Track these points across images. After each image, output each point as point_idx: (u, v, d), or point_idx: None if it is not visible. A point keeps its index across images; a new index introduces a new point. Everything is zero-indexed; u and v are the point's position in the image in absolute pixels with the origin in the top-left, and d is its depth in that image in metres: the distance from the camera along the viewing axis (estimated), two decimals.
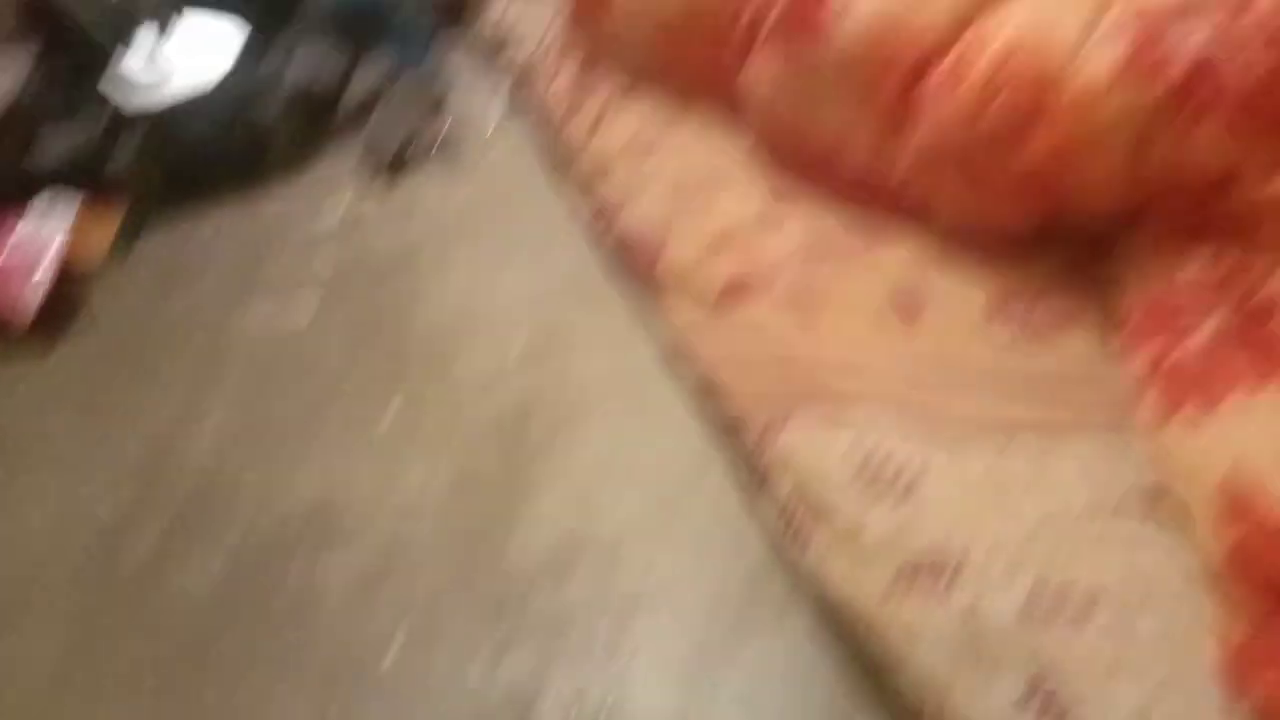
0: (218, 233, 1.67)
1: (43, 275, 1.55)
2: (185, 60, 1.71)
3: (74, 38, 1.71)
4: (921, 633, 0.91)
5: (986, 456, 1.00)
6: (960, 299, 1.16)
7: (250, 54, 1.75)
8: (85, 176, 1.66)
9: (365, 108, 1.80)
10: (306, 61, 1.77)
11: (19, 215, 1.61)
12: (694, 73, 1.49)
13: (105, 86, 1.67)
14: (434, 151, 1.72)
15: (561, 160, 1.59)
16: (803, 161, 1.36)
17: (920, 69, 1.17)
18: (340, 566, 1.15)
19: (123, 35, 1.72)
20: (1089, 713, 0.84)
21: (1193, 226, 1.06)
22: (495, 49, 1.86)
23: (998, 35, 1.10)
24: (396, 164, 1.70)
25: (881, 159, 1.25)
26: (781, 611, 1.05)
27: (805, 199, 1.34)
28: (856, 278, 1.21)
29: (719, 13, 1.41)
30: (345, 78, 1.81)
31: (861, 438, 1.05)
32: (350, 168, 1.73)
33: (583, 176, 1.53)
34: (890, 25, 1.18)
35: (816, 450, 1.06)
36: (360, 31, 1.83)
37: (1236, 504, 0.88)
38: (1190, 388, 0.98)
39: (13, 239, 1.58)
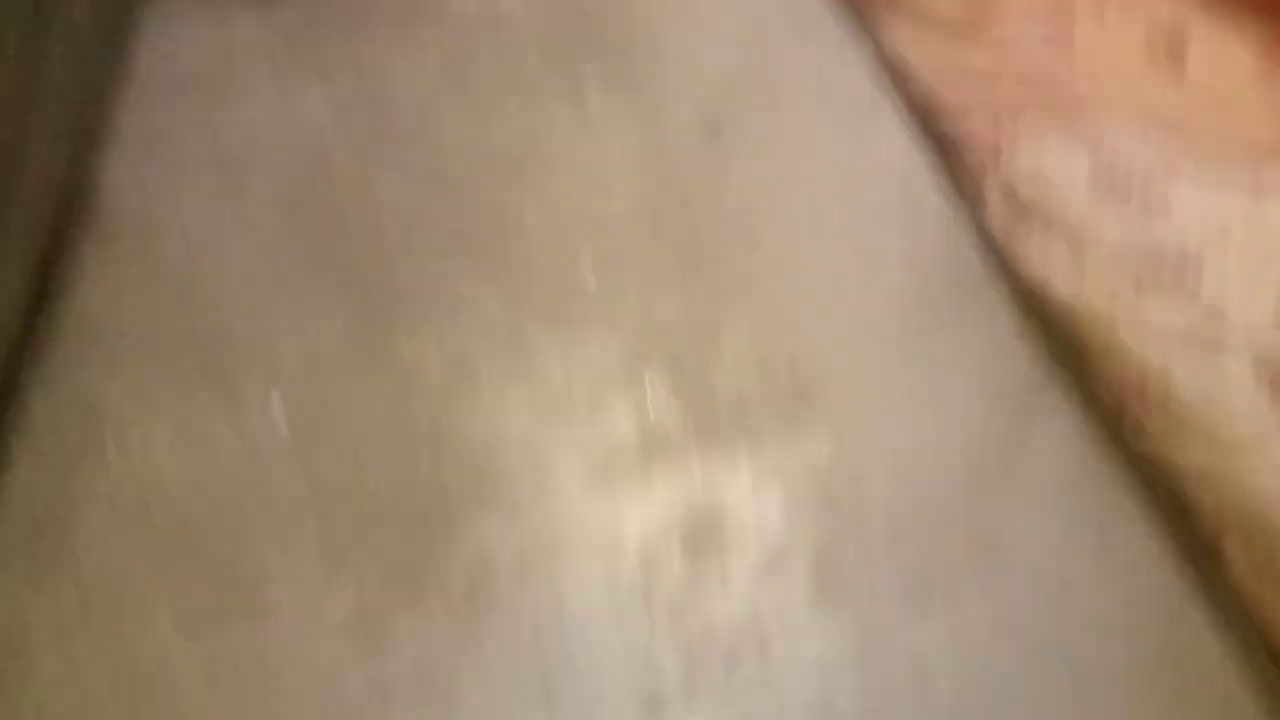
0: None
1: None
2: None
3: None
4: (1154, 324, 0.88)
5: (1240, 172, 0.96)
6: (1227, 47, 1.10)
7: None
8: None
9: None
10: None
11: None
12: None
13: None
14: None
15: None
16: None
17: None
18: (535, 204, 1.16)
19: None
20: None
21: None
22: None
23: None
24: None
25: None
26: (985, 290, 1.03)
27: None
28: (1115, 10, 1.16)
29: None
30: None
31: (1103, 147, 1.02)
32: None
33: None
34: None
35: (1052, 160, 1.03)
36: None
37: None
38: None
39: None
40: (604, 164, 1.17)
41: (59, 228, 1.10)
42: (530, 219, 1.13)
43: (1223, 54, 1.09)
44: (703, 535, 0.91)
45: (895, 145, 1.15)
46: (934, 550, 0.89)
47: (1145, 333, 0.89)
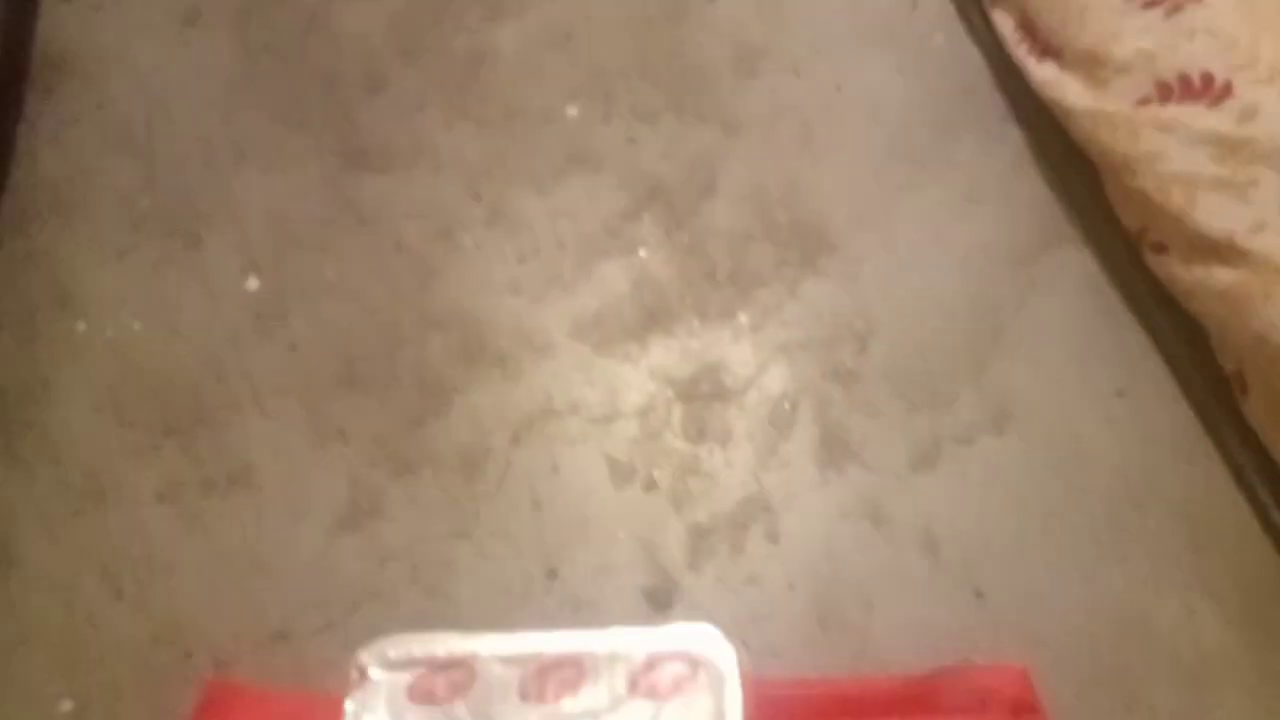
0: None
1: None
2: None
3: None
4: (1181, 133, 0.82)
5: None
6: None
7: None
8: None
9: None
10: None
11: None
12: None
13: None
14: None
15: None
16: None
17: None
18: (512, 34, 1.07)
19: None
20: None
21: None
22: None
23: None
24: None
25: None
26: (995, 128, 0.96)
27: None
28: None
29: None
30: None
31: None
32: None
33: None
34: None
35: None
36: None
37: None
38: None
39: None
40: None
41: (6, 90, 1.02)
42: (508, 52, 1.04)
43: None
44: (704, 401, 0.88)
45: None
46: (942, 412, 0.86)
47: (1171, 142, 0.82)
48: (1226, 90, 0.82)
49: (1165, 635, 0.78)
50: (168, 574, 0.83)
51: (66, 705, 0.78)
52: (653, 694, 0.70)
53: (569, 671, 0.71)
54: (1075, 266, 0.91)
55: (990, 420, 0.86)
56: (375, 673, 0.72)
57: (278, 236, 0.96)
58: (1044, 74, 0.92)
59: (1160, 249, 0.85)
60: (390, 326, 0.92)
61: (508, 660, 0.72)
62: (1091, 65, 0.89)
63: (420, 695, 0.71)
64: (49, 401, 0.90)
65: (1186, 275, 0.83)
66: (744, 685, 0.70)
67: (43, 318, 0.94)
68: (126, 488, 0.87)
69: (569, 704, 0.70)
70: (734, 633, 0.75)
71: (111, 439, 0.89)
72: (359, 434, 0.87)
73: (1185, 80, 0.84)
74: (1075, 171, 0.92)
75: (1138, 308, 0.89)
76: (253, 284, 0.94)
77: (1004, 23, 0.97)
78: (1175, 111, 0.84)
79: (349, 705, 0.71)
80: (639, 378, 0.88)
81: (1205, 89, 0.83)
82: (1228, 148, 0.80)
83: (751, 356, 0.89)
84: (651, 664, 0.71)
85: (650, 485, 0.84)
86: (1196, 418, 0.85)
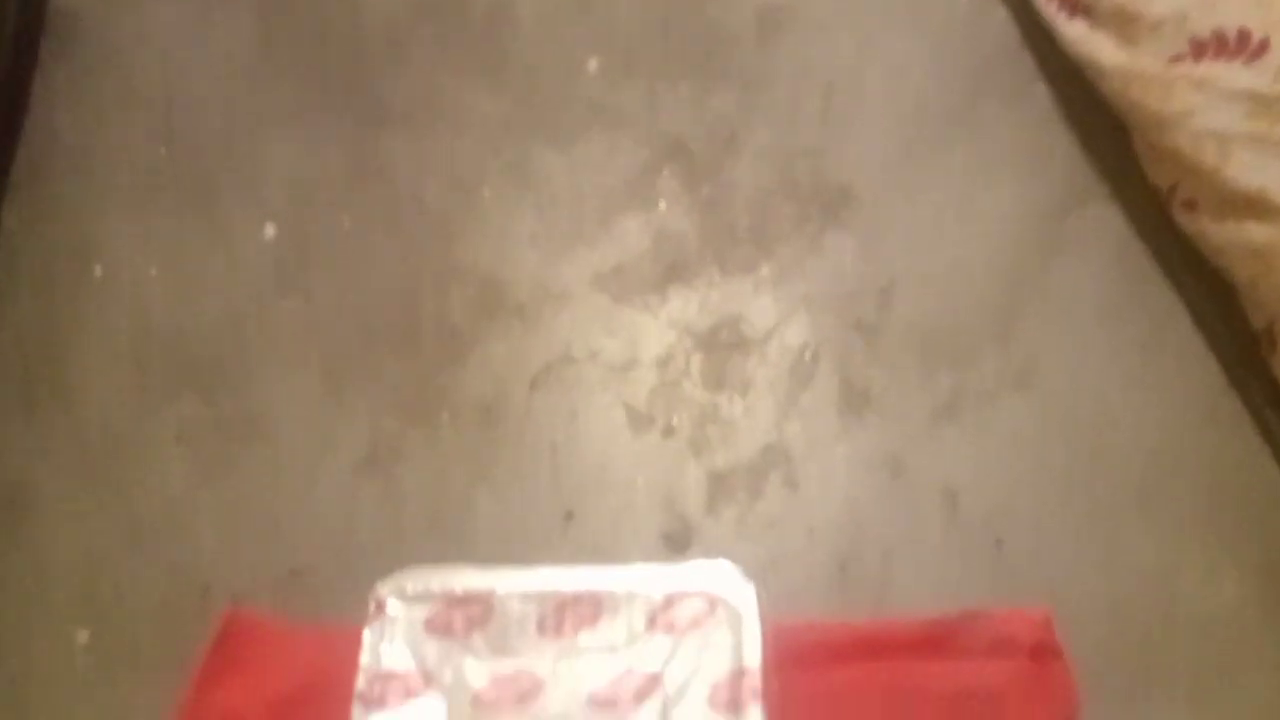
0: None
1: None
2: None
3: None
4: (1214, 89, 0.81)
5: None
6: None
7: None
8: None
9: None
10: None
11: None
12: None
13: None
14: None
15: None
16: None
17: None
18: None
19: None
20: None
21: None
22: None
23: None
24: None
25: None
26: (1023, 87, 0.95)
27: None
28: None
29: None
30: None
31: None
32: None
33: None
34: None
35: None
36: None
37: None
38: None
39: None
40: None
41: (22, 42, 1.02)
42: (526, 13, 1.04)
43: None
44: (724, 351, 0.87)
45: None
46: (965, 367, 0.85)
47: (1205, 99, 0.82)
48: (1263, 47, 0.81)
49: (1186, 593, 0.77)
50: (186, 516, 0.83)
51: (83, 636, 0.78)
52: (671, 630, 0.70)
53: (587, 607, 0.71)
54: (1102, 224, 0.90)
55: (1013, 376, 0.85)
56: (393, 605, 0.72)
57: (295, 189, 0.96)
58: (1074, 31, 0.91)
59: (1191, 206, 0.84)
60: (409, 277, 0.92)
61: (526, 596, 0.72)
62: (1123, 22, 0.88)
63: (438, 628, 0.71)
64: (66, 347, 0.90)
65: (1217, 232, 0.82)
66: (762, 623, 0.70)
67: (59, 267, 0.94)
68: (144, 433, 0.87)
69: (586, 638, 0.70)
70: (752, 576, 0.74)
71: (129, 385, 0.89)
72: (378, 381, 0.87)
73: (1220, 37, 0.83)
74: (1103, 130, 0.91)
75: (1165, 266, 0.88)
76: (270, 234, 0.94)
77: None
78: (1209, 68, 0.83)
79: (366, 635, 0.71)
80: (658, 327, 0.88)
81: (1241, 46, 0.82)
82: (1263, 104, 0.79)
83: (772, 308, 0.88)
84: (670, 601, 0.71)
85: (669, 432, 0.84)
86: (1223, 376, 0.84)
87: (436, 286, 0.91)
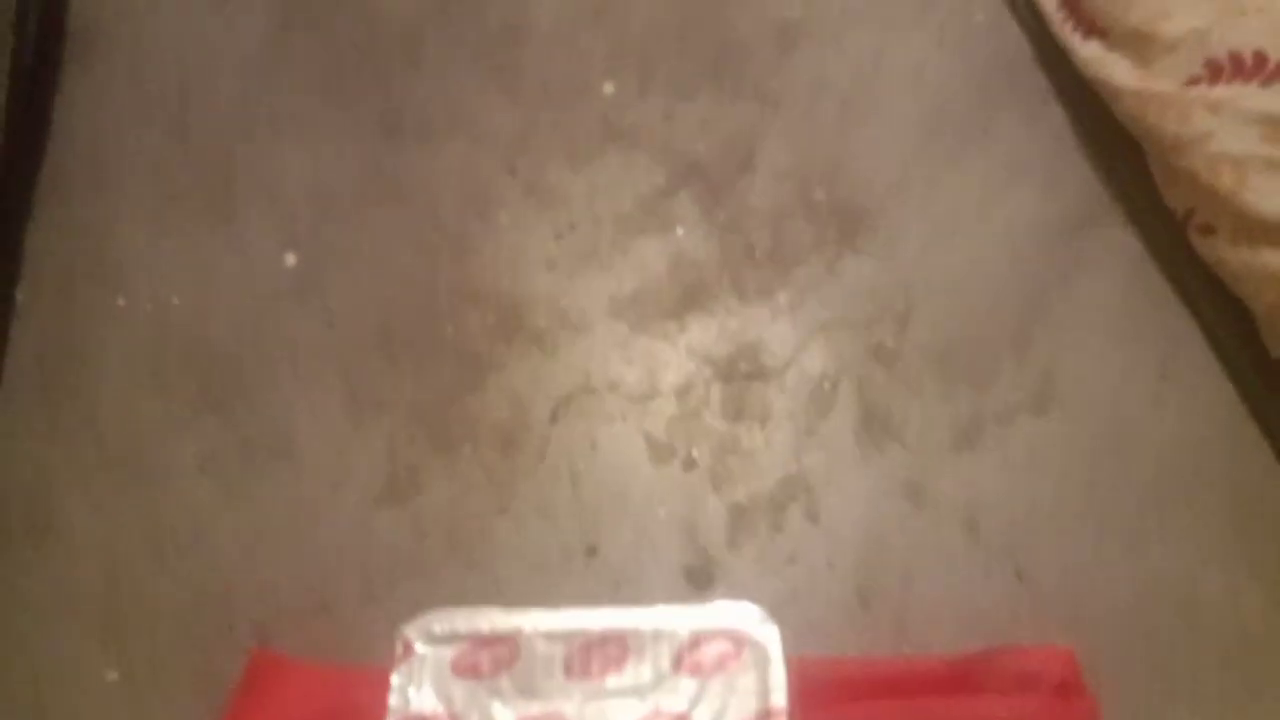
0: None
1: None
2: None
3: None
4: (1231, 113, 0.81)
5: None
6: None
7: None
8: None
9: None
10: None
11: None
12: None
13: None
14: None
15: None
16: None
17: None
18: (548, 7, 1.06)
19: None
20: None
21: None
22: None
23: None
24: None
25: None
26: (1037, 107, 0.95)
27: None
28: None
29: None
30: None
31: None
32: None
33: None
34: None
35: None
36: None
37: None
38: None
39: None
40: None
41: (43, 63, 1.01)
42: (543, 26, 1.03)
43: None
44: (743, 380, 0.87)
45: None
46: (984, 391, 0.85)
47: (1221, 122, 0.81)
48: (1279, 70, 0.81)
49: (1210, 617, 0.78)
50: (209, 544, 0.84)
51: (112, 675, 0.79)
52: (697, 671, 0.70)
53: (613, 648, 0.71)
54: (1119, 246, 0.90)
55: (1032, 399, 0.85)
56: (420, 647, 0.73)
57: (314, 209, 0.96)
58: (1089, 52, 0.91)
59: (1208, 230, 0.84)
60: (427, 302, 0.92)
61: (552, 636, 0.72)
62: (1139, 44, 0.88)
63: (465, 669, 0.72)
64: (89, 372, 0.91)
65: (1234, 257, 0.82)
66: (787, 664, 0.70)
67: (82, 289, 0.94)
68: (167, 458, 0.88)
69: (614, 681, 0.70)
70: (774, 611, 0.75)
71: (152, 410, 0.89)
72: (397, 409, 0.88)
73: (1237, 59, 0.83)
74: (1118, 151, 0.91)
75: (1182, 289, 0.88)
76: (290, 258, 0.94)
77: (1047, 1, 0.96)
78: (1226, 91, 0.83)
79: (395, 679, 0.71)
80: (677, 356, 0.88)
81: (1258, 68, 0.82)
82: (1279, 127, 0.79)
83: (791, 335, 0.88)
84: (696, 641, 0.72)
85: (689, 464, 0.84)
86: (1241, 400, 0.84)
87: (454, 311, 0.91)
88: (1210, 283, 0.85)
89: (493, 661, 0.72)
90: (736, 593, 0.77)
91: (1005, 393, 0.85)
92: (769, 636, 0.72)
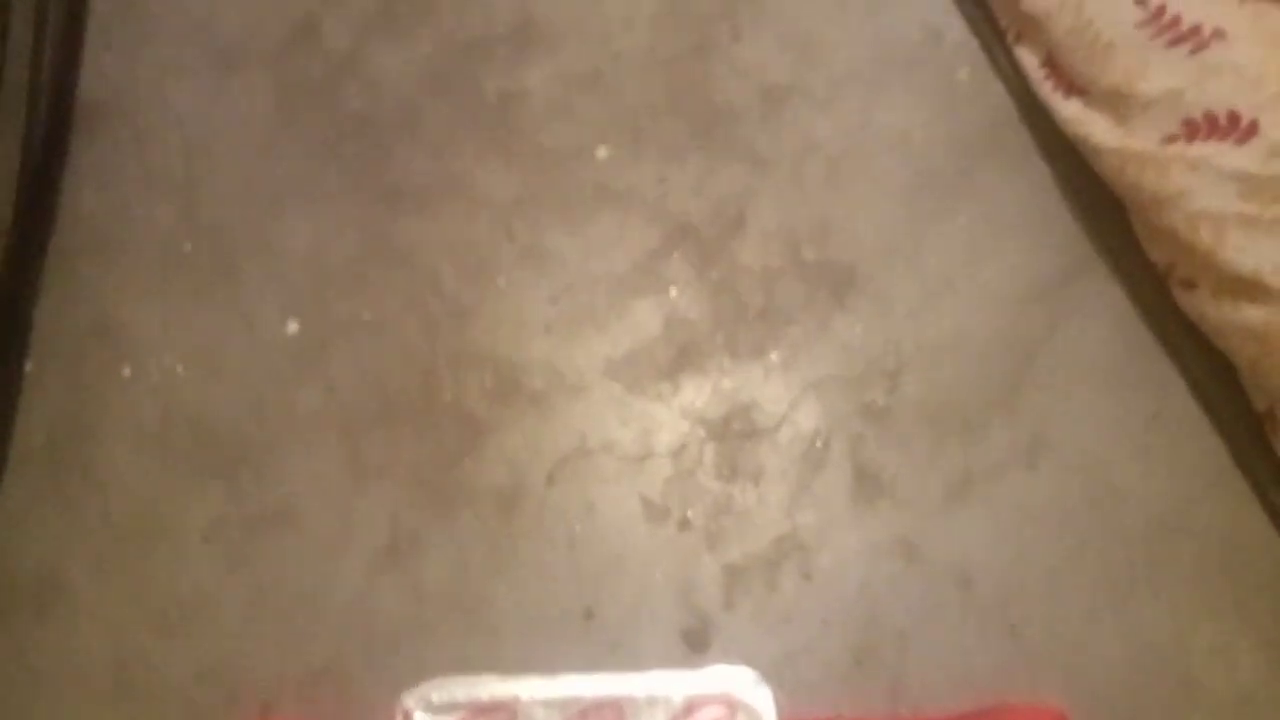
0: None
1: None
2: None
3: None
4: (1209, 170, 0.83)
5: None
6: None
7: None
8: None
9: None
10: None
11: None
12: None
13: None
14: None
15: None
16: None
17: None
18: (542, 76, 1.08)
19: None
20: None
21: None
22: None
23: None
24: None
25: None
26: (1021, 163, 0.97)
27: None
28: None
29: None
30: None
31: None
32: None
33: None
34: None
35: (1096, 5, 0.94)
36: None
37: None
38: None
39: None
40: (614, 31, 1.08)
41: (53, 138, 1.04)
42: (538, 94, 1.05)
43: None
44: (736, 440, 0.89)
45: (927, 3, 1.05)
46: (973, 446, 0.86)
47: (1199, 179, 0.83)
48: (1252, 129, 0.83)
49: (1201, 668, 0.79)
50: (213, 612, 0.85)
51: None
52: None
53: (609, 714, 0.73)
54: (1104, 300, 0.91)
55: (1022, 454, 0.87)
56: (420, 716, 0.74)
57: (315, 276, 0.98)
58: (1070, 111, 0.93)
59: (1189, 285, 0.85)
60: (426, 367, 0.94)
61: (549, 704, 0.74)
62: (1117, 103, 0.90)
63: None
64: (96, 442, 0.93)
65: (1215, 313, 0.83)
66: None
67: (89, 359, 0.96)
68: (172, 526, 0.89)
69: None
70: (769, 671, 0.76)
71: (157, 478, 0.91)
72: (397, 473, 0.89)
73: (1211, 118, 0.84)
74: (1102, 206, 0.93)
75: (1167, 342, 0.89)
76: (292, 325, 0.96)
77: (1029, 60, 0.98)
78: (1202, 149, 0.84)
79: None
80: (671, 417, 0.90)
81: (1232, 127, 0.83)
82: (1255, 185, 0.81)
83: (783, 394, 0.90)
84: (690, 707, 0.73)
85: (684, 525, 0.85)
86: (1228, 451, 0.85)
87: (454, 373, 0.93)
88: (1195, 335, 0.87)
89: None
90: (733, 654, 0.78)
91: (995, 448, 0.86)
92: (762, 700, 0.72)
